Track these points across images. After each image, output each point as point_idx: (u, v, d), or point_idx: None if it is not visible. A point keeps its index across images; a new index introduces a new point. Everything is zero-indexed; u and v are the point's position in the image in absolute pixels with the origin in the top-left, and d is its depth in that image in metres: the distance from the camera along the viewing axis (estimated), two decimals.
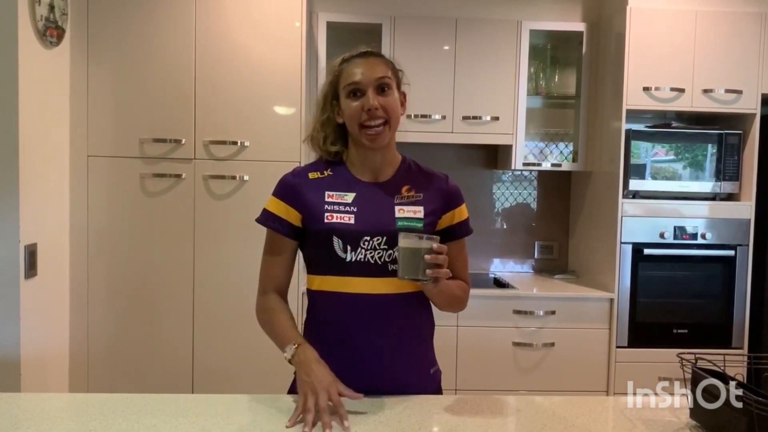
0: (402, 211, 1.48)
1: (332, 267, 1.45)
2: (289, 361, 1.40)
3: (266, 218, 1.51)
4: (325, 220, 1.45)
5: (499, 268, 3.63)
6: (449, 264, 1.55)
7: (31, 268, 2.38)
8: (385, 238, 1.43)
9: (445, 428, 1.33)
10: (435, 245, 1.33)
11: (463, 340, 3.00)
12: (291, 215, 1.49)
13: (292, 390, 1.54)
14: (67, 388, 2.75)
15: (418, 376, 1.53)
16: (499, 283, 3.36)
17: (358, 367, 1.46)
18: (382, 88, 1.46)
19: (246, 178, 2.78)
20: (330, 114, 1.52)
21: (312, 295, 1.52)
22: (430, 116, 3.17)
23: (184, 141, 2.76)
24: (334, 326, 1.47)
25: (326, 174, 1.52)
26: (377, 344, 1.46)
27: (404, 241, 1.34)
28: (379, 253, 1.43)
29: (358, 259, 1.43)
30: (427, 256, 1.31)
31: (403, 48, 3.12)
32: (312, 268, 1.52)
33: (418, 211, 1.49)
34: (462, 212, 1.57)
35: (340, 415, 1.29)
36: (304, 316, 1.58)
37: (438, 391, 1.59)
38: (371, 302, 1.44)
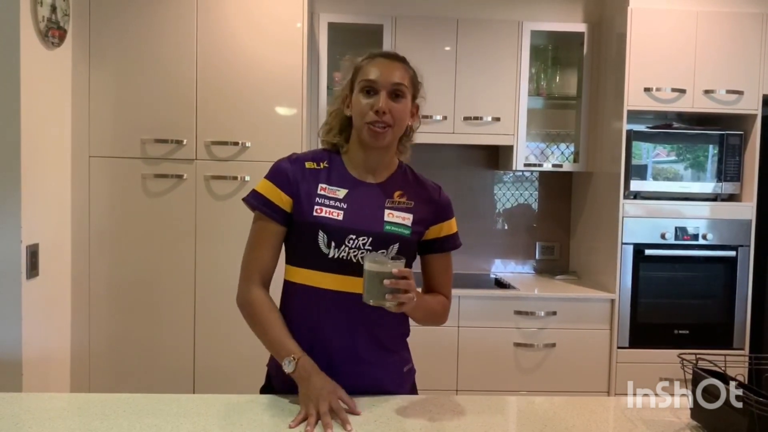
0: (391, 216, 1.47)
1: (313, 261, 1.44)
2: (290, 374, 1.40)
3: (256, 200, 1.48)
4: (314, 213, 1.44)
5: (500, 268, 3.63)
6: (433, 277, 1.56)
7: (32, 269, 2.38)
8: (370, 238, 1.43)
9: (446, 428, 1.33)
10: (395, 270, 1.30)
11: (464, 341, 3.00)
12: (283, 200, 1.47)
13: (265, 390, 1.55)
14: (69, 388, 2.75)
15: (391, 374, 1.53)
16: (500, 284, 3.37)
17: (331, 362, 1.45)
18: (395, 94, 1.45)
19: (247, 178, 2.78)
20: (341, 105, 1.53)
21: (289, 286, 1.50)
22: (431, 117, 3.17)
23: (185, 141, 2.77)
24: (309, 320, 1.46)
25: (323, 166, 1.51)
26: (351, 341, 1.45)
27: (368, 264, 1.32)
28: (362, 252, 1.42)
29: (340, 256, 1.43)
30: (386, 282, 1.29)
31: (405, 48, 3.08)
32: (293, 259, 1.50)
33: (407, 218, 1.48)
34: (451, 226, 1.56)
35: (341, 419, 1.29)
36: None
37: (413, 388, 1.59)
38: (347, 300, 1.42)
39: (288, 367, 1.39)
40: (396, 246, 1.44)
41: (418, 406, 1.42)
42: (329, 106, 1.59)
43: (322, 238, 1.43)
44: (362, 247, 1.42)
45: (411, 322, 1.57)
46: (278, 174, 1.49)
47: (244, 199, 1.50)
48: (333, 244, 1.43)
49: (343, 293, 1.43)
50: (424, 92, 1.56)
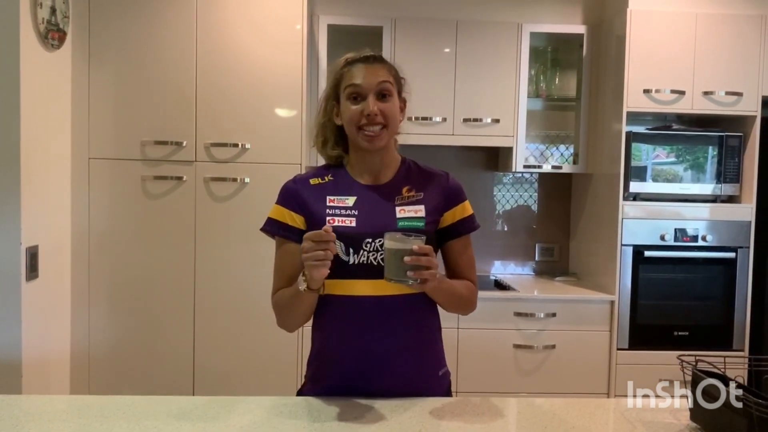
0: (403, 212, 1.49)
1: (336, 270, 1.43)
2: (308, 288, 1.37)
3: (271, 226, 1.52)
4: (327, 224, 1.44)
5: (500, 270, 3.63)
6: (454, 262, 1.57)
7: (32, 270, 2.38)
8: (385, 233, 1.42)
9: (446, 430, 1.34)
10: (416, 246, 1.30)
11: (464, 342, 3.00)
12: (296, 220, 1.49)
13: (301, 392, 1.55)
14: (69, 390, 2.75)
15: (426, 377, 1.52)
16: (499, 285, 3.36)
17: (365, 369, 1.46)
18: (382, 94, 1.46)
19: (247, 180, 2.79)
20: (330, 117, 1.53)
21: (319, 299, 1.50)
22: (430, 118, 3.17)
23: (185, 143, 2.77)
24: (341, 329, 1.47)
25: (327, 179, 1.53)
26: (384, 346, 1.46)
27: (388, 243, 1.33)
28: (381, 254, 1.43)
29: (360, 261, 1.44)
30: (406, 258, 1.30)
31: (404, 50, 3.13)
32: None
33: (419, 211, 1.49)
34: (465, 209, 1.57)
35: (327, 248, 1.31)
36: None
37: (447, 392, 1.58)
38: (376, 304, 1.44)
39: (302, 285, 1.38)
40: (412, 235, 1.44)
41: (418, 408, 1.41)
42: (316, 117, 1.57)
43: (339, 246, 1.43)
44: (380, 249, 1.43)
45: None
46: (286, 196, 1.53)
47: (261, 229, 1.53)
48: (351, 250, 1.44)
49: (370, 297, 1.44)
50: (409, 87, 1.56)
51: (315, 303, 1.46)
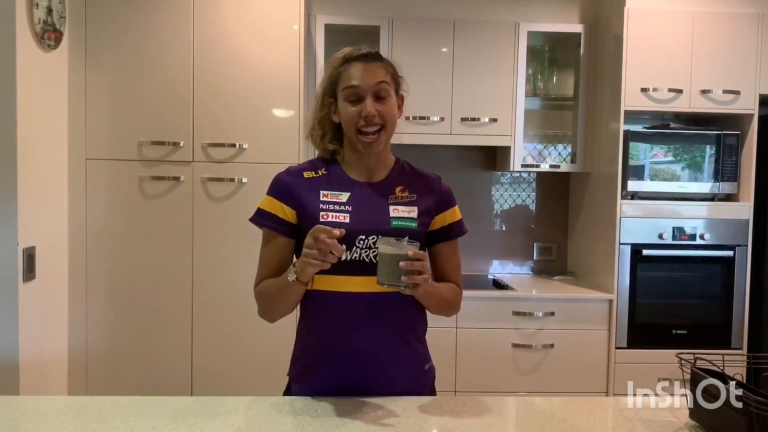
0: (396, 211, 1.49)
1: None
2: (297, 279, 1.37)
3: (261, 217, 1.51)
4: (321, 219, 1.45)
5: (498, 269, 3.63)
6: (441, 266, 1.58)
7: (29, 271, 2.38)
8: (379, 237, 1.43)
9: (444, 429, 1.33)
10: (411, 252, 1.31)
11: (462, 342, 3.00)
12: (287, 213, 1.49)
13: (287, 392, 1.55)
14: (66, 391, 2.75)
15: (412, 372, 1.54)
16: (498, 285, 3.36)
17: (352, 364, 1.46)
18: (380, 95, 1.46)
19: (244, 180, 2.78)
20: (328, 111, 1.53)
21: (308, 294, 1.50)
22: (428, 118, 3.17)
23: (182, 143, 2.76)
24: (329, 324, 1.47)
25: (320, 173, 1.53)
26: (371, 342, 1.46)
27: (383, 247, 1.33)
28: (373, 251, 1.44)
29: (353, 258, 1.44)
30: (401, 263, 1.30)
31: (401, 50, 3.12)
32: None
33: (413, 211, 1.50)
34: (455, 213, 1.58)
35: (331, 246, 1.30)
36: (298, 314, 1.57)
37: (432, 387, 1.60)
38: (365, 301, 1.44)
39: (291, 276, 1.38)
40: (405, 240, 1.44)
41: (417, 407, 1.41)
42: (314, 110, 1.57)
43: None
44: (372, 247, 1.44)
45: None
46: (278, 188, 1.52)
47: (250, 219, 1.53)
48: (344, 247, 1.42)
49: (359, 294, 1.44)
50: (407, 84, 1.56)
51: (302, 295, 1.46)
